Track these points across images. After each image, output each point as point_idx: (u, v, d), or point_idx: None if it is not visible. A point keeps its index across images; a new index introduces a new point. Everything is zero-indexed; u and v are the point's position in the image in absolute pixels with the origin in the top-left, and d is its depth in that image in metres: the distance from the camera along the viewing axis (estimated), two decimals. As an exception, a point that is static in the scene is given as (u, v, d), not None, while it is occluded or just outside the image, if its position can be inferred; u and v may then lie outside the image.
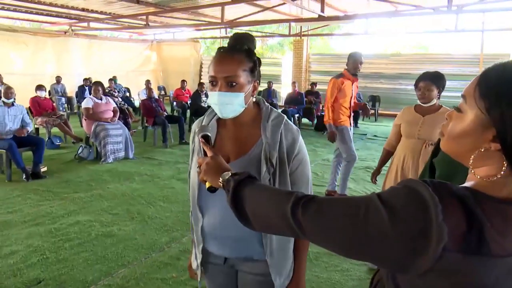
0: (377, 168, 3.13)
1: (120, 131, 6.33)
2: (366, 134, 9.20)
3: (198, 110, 8.78)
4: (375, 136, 9.09)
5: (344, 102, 4.31)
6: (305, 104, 10.29)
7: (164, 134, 7.40)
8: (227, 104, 1.19)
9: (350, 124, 4.42)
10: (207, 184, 1.06)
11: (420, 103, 2.76)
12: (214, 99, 1.19)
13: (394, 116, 14.29)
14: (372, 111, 11.71)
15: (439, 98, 2.72)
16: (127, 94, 11.97)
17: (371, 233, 0.67)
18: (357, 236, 0.68)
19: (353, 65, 4.21)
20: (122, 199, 4.49)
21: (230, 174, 0.99)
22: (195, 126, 1.38)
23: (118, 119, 6.63)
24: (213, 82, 1.19)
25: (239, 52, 1.19)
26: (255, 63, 1.22)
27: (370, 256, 0.69)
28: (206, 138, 1.16)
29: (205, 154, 1.11)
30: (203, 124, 1.23)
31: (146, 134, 7.90)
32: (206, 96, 9.47)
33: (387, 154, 3.08)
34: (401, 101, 12.30)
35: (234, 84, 1.17)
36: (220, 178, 1.00)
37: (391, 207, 0.66)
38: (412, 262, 0.64)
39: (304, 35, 13.74)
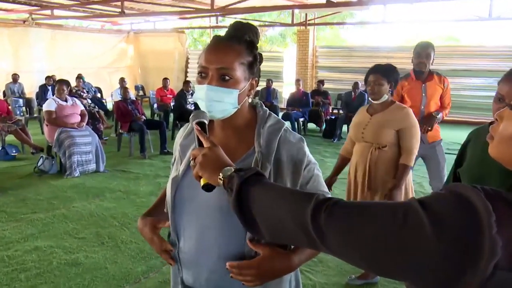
0: (330, 175, 3.19)
1: (89, 139, 6.34)
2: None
3: (183, 113, 8.80)
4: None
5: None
6: (311, 106, 10.34)
7: (142, 143, 7.41)
8: (216, 102, 1.17)
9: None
10: (202, 181, 1.05)
11: (371, 101, 2.92)
12: (201, 94, 1.18)
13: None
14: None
15: (392, 94, 2.91)
16: (98, 94, 12.00)
17: (409, 246, 0.67)
18: (391, 249, 0.68)
19: (415, 60, 3.79)
20: (91, 220, 4.48)
21: (233, 170, 0.98)
22: (179, 134, 1.38)
23: (87, 124, 6.64)
24: (203, 73, 1.18)
25: (238, 42, 1.19)
26: (255, 58, 1.23)
27: (406, 273, 0.69)
28: (202, 126, 1.15)
29: (201, 145, 1.11)
30: (199, 110, 1.21)
31: (120, 143, 7.90)
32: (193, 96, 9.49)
33: (342, 160, 3.22)
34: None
35: (227, 78, 1.16)
36: (220, 174, 0.99)
37: (435, 215, 0.66)
38: (457, 281, 0.64)
39: (310, 25, 13.86)
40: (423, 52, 3.71)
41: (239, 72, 1.18)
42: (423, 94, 3.77)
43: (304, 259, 1.21)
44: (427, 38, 25.99)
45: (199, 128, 1.14)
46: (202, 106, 1.20)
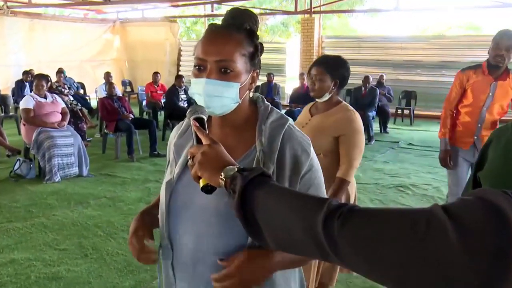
0: None
1: (71, 140, 6.35)
2: (398, 142, 9.26)
3: (175, 112, 8.82)
4: (410, 144, 9.14)
5: (468, 109, 3.62)
6: (317, 102, 10.34)
7: (129, 144, 7.42)
8: (215, 96, 1.18)
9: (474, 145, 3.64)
10: (202, 182, 1.05)
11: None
12: (199, 88, 1.19)
13: (435, 117, 14.26)
14: (407, 112, 11.79)
15: (337, 93, 2.66)
16: (81, 91, 12.01)
17: (432, 257, 0.67)
18: (413, 261, 0.68)
19: (492, 52, 3.42)
20: (73, 230, 4.48)
21: (236, 169, 0.98)
22: (173, 134, 1.38)
23: (69, 124, 6.65)
24: (201, 66, 1.19)
25: (238, 31, 1.20)
26: (256, 48, 1.23)
27: (429, 286, 0.69)
28: (200, 122, 1.16)
29: (199, 143, 1.11)
30: (197, 105, 1.22)
31: (105, 144, 7.90)
32: (186, 92, 9.50)
33: None
34: (444, 97, 12.34)
35: (228, 71, 1.17)
36: (222, 174, 0.99)
37: (461, 223, 0.66)
38: None
39: (315, 12, 13.89)
40: (503, 43, 3.31)
41: (240, 64, 1.19)
42: (490, 94, 3.47)
43: (288, 260, 1.21)
44: (446, 27, 25.86)
45: (197, 124, 1.14)
46: (200, 102, 1.21)
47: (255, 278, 1.19)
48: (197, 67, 1.20)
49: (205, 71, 1.18)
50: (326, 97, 2.63)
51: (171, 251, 1.32)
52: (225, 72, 1.17)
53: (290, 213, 0.85)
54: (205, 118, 1.18)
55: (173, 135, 1.38)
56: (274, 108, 1.32)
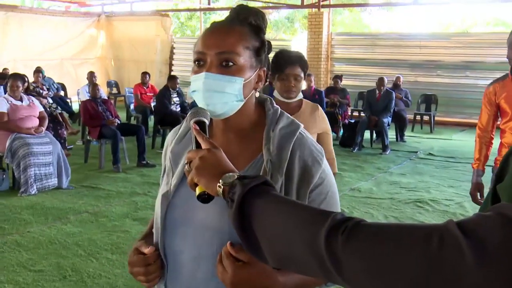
0: None
1: (50, 148, 6.34)
2: (417, 152, 9.27)
3: (167, 116, 8.83)
4: (430, 154, 9.14)
5: (508, 127, 3.46)
6: (325, 107, 10.37)
7: (115, 152, 7.40)
8: (216, 92, 1.19)
9: None
10: (198, 190, 1.06)
11: (283, 99, 2.85)
12: (198, 84, 1.20)
13: (458, 124, 14.20)
14: (426, 118, 11.80)
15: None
16: (61, 92, 12.02)
17: (445, 275, 0.68)
18: (424, 278, 0.69)
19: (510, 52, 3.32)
20: (50, 248, 4.46)
21: (236, 177, 0.99)
22: (170, 139, 1.39)
23: (47, 129, 6.66)
24: (200, 61, 1.21)
25: (241, 24, 1.23)
26: (263, 44, 1.26)
27: None
28: (201, 126, 1.17)
29: (198, 147, 1.12)
30: (199, 108, 1.23)
31: (88, 153, 7.90)
32: (180, 95, 9.52)
33: None
34: (468, 102, 12.39)
35: (230, 64, 1.19)
36: (220, 181, 1.00)
37: (478, 242, 0.67)
38: None
39: (324, 6, 13.95)
40: None
41: (244, 57, 1.21)
42: None
43: (291, 284, 1.19)
44: (470, 24, 25.89)
45: (197, 128, 1.15)
46: (199, 99, 1.21)
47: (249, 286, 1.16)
48: (196, 62, 1.22)
49: (205, 66, 1.19)
50: (300, 96, 2.91)
51: (166, 270, 1.31)
52: (226, 66, 1.19)
53: (290, 226, 0.86)
54: (207, 122, 1.19)
55: (170, 140, 1.39)
56: (285, 112, 1.33)
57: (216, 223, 1.21)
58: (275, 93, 2.92)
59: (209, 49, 1.19)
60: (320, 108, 3.00)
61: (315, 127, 2.89)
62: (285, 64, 2.80)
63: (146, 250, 1.28)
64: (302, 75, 2.86)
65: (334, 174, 2.89)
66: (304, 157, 1.25)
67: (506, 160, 1.58)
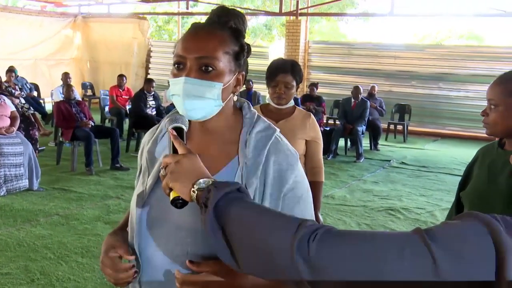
0: None
1: (21, 149, 6.25)
2: (390, 161, 9.38)
3: (142, 119, 8.78)
4: (402, 163, 9.26)
5: None
6: (301, 114, 10.43)
7: (88, 154, 7.34)
8: (195, 97, 1.20)
9: None
10: (172, 194, 1.07)
11: (275, 105, 2.96)
12: (178, 89, 1.20)
13: (431, 134, 14.41)
14: (400, 127, 11.97)
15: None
16: (34, 93, 11.87)
17: (410, 282, 0.69)
18: (394, 283, 0.70)
19: None
20: (18, 251, 4.41)
21: (210, 182, 1.00)
22: (146, 139, 1.40)
23: (18, 130, 6.57)
24: (180, 64, 1.22)
25: (222, 28, 1.24)
26: (242, 48, 1.27)
27: None
28: (178, 131, 1.18)
29: (175, 152, 1.13)
30: (177, 114, 1.24)
31: (60, 154, 7.82)
32: (156, 99, 9.49)
33: None
34: (441, 112, 12.64)
35: (210, 69, 1.20)
36: (195, 186, 1.01)
37: (443, 248, 0.68)
38: None
39: (302, 14, 14.08)
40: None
41: (223, 62, 1.22)
42: None
43: (261, 285, 1.18)
44: (444, 36, 26.41)
45: (175, 134, 1.16)
46: (179, 103, 1.22)
47: None
48: (176, 66, 1.23)
49: (184, 70, 1.21)
50: (292, 103, 3.00)
51: (140, 270, 1.31)
52: (206, 71, 1.20)
53: (263, 232, 0.87)
54: (185, 129, 1.21)
55: (147, 141, 1.39)
56: (262, 117, 1.34)
57: (190, 223, 1.22)
58: (268, 99, 3.02)
59: (189, 53, 1.20)
60: (312, 116, 3.08)
61: (304, 134, 2.97)
62: (277, 71, 2.92)
63: (129, 257, 1.30)
64: (294, 83, 2.93)
65: (321, 182, 3.01)
66: (279, 161, 1.27)
67: (470, 168, 1.62)
